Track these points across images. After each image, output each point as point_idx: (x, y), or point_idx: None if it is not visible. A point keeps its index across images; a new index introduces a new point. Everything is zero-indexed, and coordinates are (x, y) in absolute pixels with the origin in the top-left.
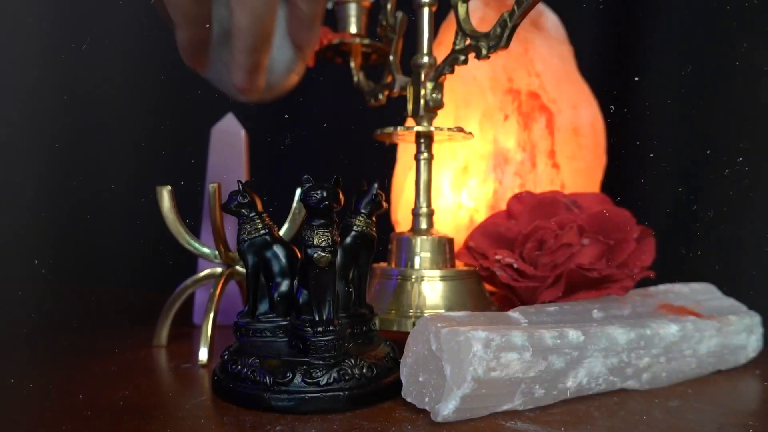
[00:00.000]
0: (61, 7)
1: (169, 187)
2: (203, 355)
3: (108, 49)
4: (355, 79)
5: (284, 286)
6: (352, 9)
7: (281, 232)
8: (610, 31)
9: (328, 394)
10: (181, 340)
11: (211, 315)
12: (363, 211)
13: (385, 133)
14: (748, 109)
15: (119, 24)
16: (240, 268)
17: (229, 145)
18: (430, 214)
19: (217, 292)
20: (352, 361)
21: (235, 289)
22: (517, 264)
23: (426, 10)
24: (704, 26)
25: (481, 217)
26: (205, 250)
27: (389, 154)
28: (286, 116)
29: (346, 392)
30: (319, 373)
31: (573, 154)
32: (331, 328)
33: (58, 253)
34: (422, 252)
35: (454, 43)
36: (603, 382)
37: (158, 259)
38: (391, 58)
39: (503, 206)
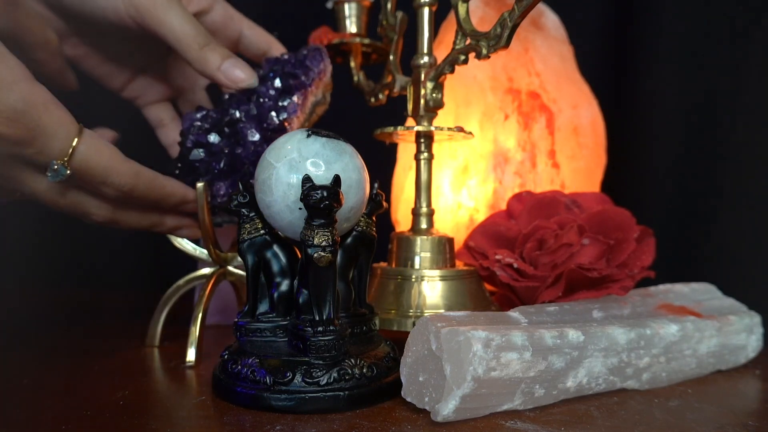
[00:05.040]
0: None
1: None
2: (191, 355)
3: None
4: (355, 78)
5: (284, 285)
6: (352, 9)
7: None
8: (610, 31)
9: (328, 394)
10: (182, 340)
11: (200, 315)
12: (363, 211)
13: (385, 132)
14: (749, 108)
15: None
16: (232, 268)
17: None
18: (430, 214)
19: (206, 292)
20: (352, 361)
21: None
22: (517, 264)
23: (426, 10)
24: (704, 25)
25: (481, 217)
26: (198, 250)
27: (389, 154)
28: None
29: (346, 392)
30: (319, 373)
31: (573, 154)
32: (331, 327)
33: (56, 252)
34: (422, 252)
35: (454, 43)
36: (603, 382)
37: (159, 259)
38: (391, 57)
39: (503, 206)
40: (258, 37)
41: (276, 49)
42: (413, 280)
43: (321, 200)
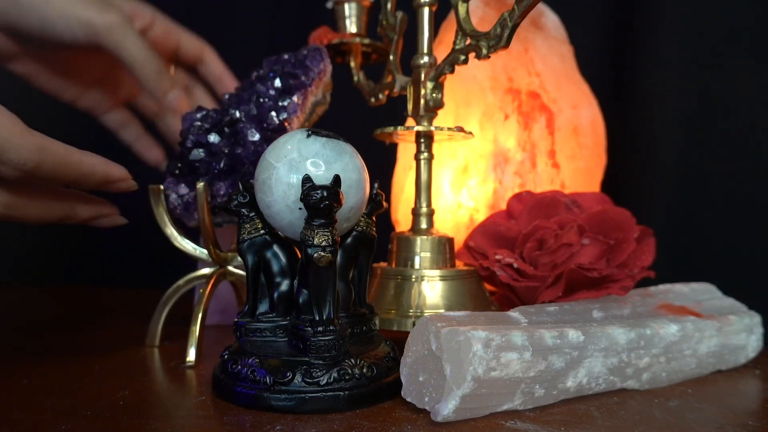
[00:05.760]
0: None
1: (162, 186)
2: (191, 355)
3: None
4: (355, 78)
5: (284, 285)
6: (352, 8)
7: None
8: (610, 31)
9: (328, 394)
10: (182, 340)
11: (200, 315)
12: (363, 211)
13: (385, 132)
14: (749, 108)
15: None
16: (232, 268)
17: None
18: (430, 214)
19: (206, 292)
20: (352, 361)
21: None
22: (517, 264)
23: (426, 10)
24: (704, 25)
25: (481, 217)
26: (198, 250)
27: (389, 154)
28: None
29: (346, 392)
30: (319, 373)
31: (573, 154)
32: (331, 327)
33: (56, 252)
34: (422, 252)
35: (454, 43)
36: (603, 382)
37: (159, 259)
38: (391, 57)
39: (503, 206)
40: (192, 45)
41: (208, 55)
42: (413, 280)
43: (321, 200)
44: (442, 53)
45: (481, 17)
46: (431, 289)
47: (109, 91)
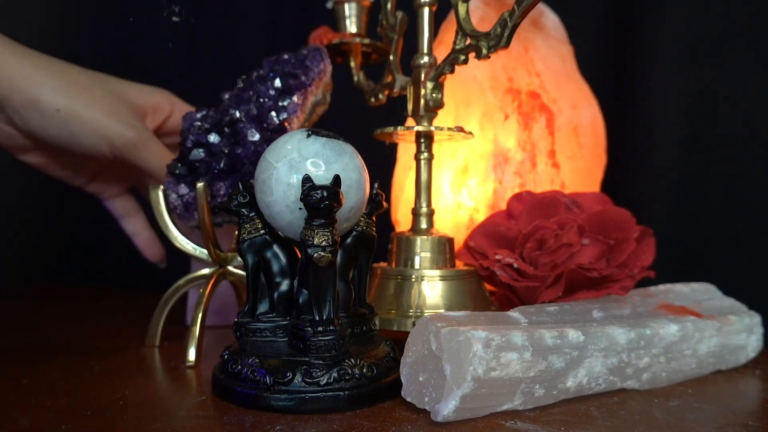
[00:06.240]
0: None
1: (163, 187)
2: (191, 355)
3: (105, 43)
4: (355, 78)
5: (284, 285)
6: (352, 8)
7: None
8: (610, 31)
9: (328, 394)
10: (182, 340)
11: (200, 315)
12: (363, 211)
13: (385, 132)
14: (749, 109)
15: (116, 21)
16: (232, 269)
17: None
18: (430, 214)
19: (207, 292)
20: (352, 361)
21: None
22: (517, 264)
23: (426, 10)
24: (704, 25)
25: (481, 217)
26: (199, 250)
27: (389, 154)
28: None
29: (346, 392)
30: (319, 373)
31: (573, 154)
32: (331, 327)
33: (56, 252)
34: (422, 252)
35: (455, 43)
36: (603, 382)
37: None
38: (391, 57)
39: (503, 206)
40: None
41: None
42: (413, 280)
43: (321, 200)
44: (442, 53)
45: (481, 17)
46: (431, 289)
47: (115, 178)
